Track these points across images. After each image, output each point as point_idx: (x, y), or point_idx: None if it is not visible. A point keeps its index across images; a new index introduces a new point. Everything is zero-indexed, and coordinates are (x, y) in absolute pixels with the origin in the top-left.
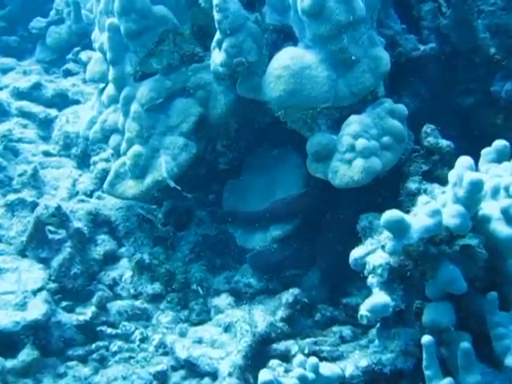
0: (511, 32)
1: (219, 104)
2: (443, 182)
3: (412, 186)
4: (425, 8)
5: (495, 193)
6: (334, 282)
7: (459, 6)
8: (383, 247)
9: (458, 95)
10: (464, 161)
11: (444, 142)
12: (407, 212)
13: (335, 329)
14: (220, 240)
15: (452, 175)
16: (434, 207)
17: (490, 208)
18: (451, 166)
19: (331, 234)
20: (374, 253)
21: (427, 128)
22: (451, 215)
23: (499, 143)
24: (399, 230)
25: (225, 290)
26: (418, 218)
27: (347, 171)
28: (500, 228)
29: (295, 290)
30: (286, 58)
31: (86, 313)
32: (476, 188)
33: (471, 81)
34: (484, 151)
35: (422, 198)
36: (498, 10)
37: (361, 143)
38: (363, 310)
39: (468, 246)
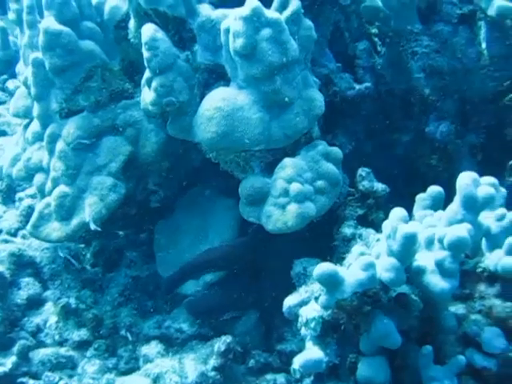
0: (445, 74)
1: (149, 143)
2: (378, 226)
3: (347, 231)
4: (360, 47)
5: (429, 244)
6: (268, 327)
7: (393, 46)
8: (316, 299)
9: (394, 133)
10: (397, 212)
11: (379, 186)
12: (342, 258)
13: (269, 376)
14: (151, 282)
15: (386, 227)
16: (367, 260)
17: (424, 259)
18: (386, 210)
19: (267, 279)
20: (307, 304)
21: (362, 171)
22: (385, 269)
23: (433, 190)
24: (332, 284)
25: (155, 335)
26: (352, 272)
27: (281, 216)
28: (434, 281)
29: (228, 338)
30: (218, 99)
31: (6, 363)
32: (410, 242)
33: (407, 119)
34: (419, 197)
35: (356, 248)
36: (431, 53)
37: (295, 188)
38: (296, 364)
39: (402, 294)
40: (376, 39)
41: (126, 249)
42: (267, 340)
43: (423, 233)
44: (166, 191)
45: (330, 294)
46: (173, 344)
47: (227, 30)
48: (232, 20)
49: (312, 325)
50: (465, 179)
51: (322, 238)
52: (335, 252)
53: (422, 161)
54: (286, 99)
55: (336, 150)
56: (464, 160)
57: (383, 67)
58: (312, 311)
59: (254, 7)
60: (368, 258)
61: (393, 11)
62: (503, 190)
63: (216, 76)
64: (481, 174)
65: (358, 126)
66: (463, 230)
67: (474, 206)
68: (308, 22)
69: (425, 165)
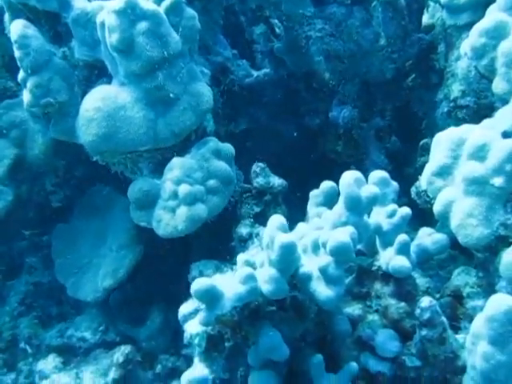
0: (343, 57)
1: (37, 144)
2: None
3: (243, 230)
4: (257, 31)
5: (316, 248)
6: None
7: (289, 30)
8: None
9: (305, 116)
10: (275, 221)
11: (276, 181)
12: None
13: (176, 382)
14: (55, 287)
15: (265, 236)
16: (246, 273)
17: (310, 265)
18: (286, 205)
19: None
20: (194, 318)
21: (256, 167)
22: (264, 280)
23: (326, 185)
24: (210, 299)
25: (57, 345)
26: (231, 285)
27: (171, 220)
28: (320, 289)
29: (126, 348)
30: (98, 98)
31: None
32: (287, 251)
33: (316, 101)
34: (312, 193)
35: (240, 257)
36: (326, 36)
37: (183, 189)
38: (183, 381)
39: (295, 298)
40: (275, 21)
41: (27, 254)
42: (176, 342)
43: (310, 236)
44: (66, 191)
45: (209, 310)
46: (76, 354)
47: (103, 24)
48: (106, 13)
49: (196, 341)
50: (346, 179)
51: (220, 238)
52: (233, 253)
53: (329, 146)
54: (171, 95)
55: (227, 147)
56: (371, 145)
57: (282, 51)
58: (196, 326)
59: None
60: (247, 270)
61: None
62: (395, 184)
63: (98, 72)
64: (390, 158)
65: (261, 111)
66: (345, 235)
67: (358, 207)
68: (191, 12)
69: (331, 150)
